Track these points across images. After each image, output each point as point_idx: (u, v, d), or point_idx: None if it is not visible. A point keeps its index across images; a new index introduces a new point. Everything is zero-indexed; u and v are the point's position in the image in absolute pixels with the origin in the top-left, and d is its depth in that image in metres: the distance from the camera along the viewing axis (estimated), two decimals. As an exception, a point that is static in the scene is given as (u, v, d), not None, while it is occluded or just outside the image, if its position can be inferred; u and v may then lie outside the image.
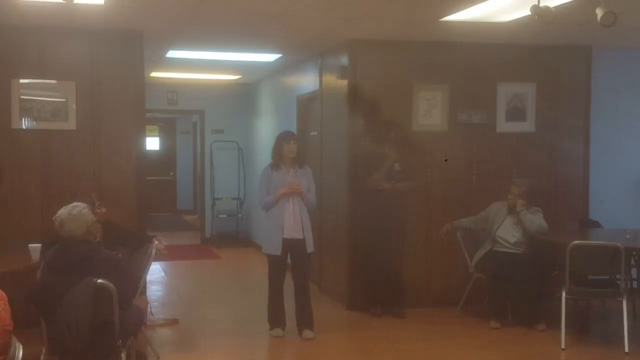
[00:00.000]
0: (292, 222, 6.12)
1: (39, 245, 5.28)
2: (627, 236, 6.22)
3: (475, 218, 7.01)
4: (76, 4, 5.03)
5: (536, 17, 4.68)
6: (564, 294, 5.96)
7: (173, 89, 11.97)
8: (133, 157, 6.82)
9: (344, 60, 7.31)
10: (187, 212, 16.59)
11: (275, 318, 6.28)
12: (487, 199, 7.03)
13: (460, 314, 6.98)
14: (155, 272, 9.19)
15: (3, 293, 3.08)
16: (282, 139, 6.26)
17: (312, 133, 8.64)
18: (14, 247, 5.64)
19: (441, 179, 7.40)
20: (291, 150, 6.18)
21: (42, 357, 4.44)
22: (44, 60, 6.60)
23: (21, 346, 3.08)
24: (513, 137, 7.55)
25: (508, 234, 6.69)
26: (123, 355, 4.37)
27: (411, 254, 7.18)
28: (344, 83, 7.30)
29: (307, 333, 6.20)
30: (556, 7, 4.91)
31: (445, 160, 7.34)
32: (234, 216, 12.31)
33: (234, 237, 12.09)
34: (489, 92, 7.48)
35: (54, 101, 6.61)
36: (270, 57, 8.78)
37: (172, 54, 8.36)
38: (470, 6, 5.63)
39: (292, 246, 6.17)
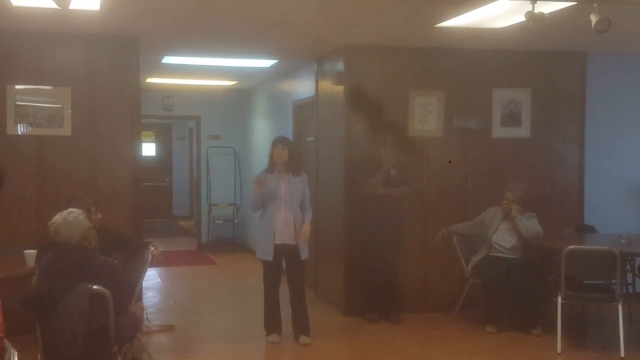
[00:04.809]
0: (283, 227, 6.11)
1: (34, 251, 5.27)
2: (623, 241, 6.23)
3: (470, 223, 7.02)
4: (72, 9, 5.02)
5: (531, 23, 4.70)
6: (559, 299, 5.96)
7: (169, 95, 11.97)
8: (129, 162, 6.82)
9: (340, 66, 7.32)
10: (183, 218, 16.58)
11: (272, 324, 6.27)
12: (482, 204, 7.04)
13: (456, 319, 6.98)
14: (151, 278, 9.18)
15: (-2, 299, 3.07)
16: (272, 143, 6.29)
17: (308, 139, 8.65)
18: (9, 253, 5.63)
19: (437, 185, 7.40)
20: (279, 155, 6.18)
21: (37, 363, 4.43)
22: (39, 66, 6.60)
23: (16, 352, 3.08)
24: (508, 143, 7.56)
25: (503, 239, 6.70)
26: (119, 361, 4.36)
27: (407, 259, 7.18)
28: (340, 89, 7.31)
29: (304, 339, 6.19)
30: (551, 13, 4.94)
31: (449, 162, 7.34)
32: (230, 222, 12.30)
33: (230, 242, 12.08)
34: (484, 97, 7.50)
35: (49, 107, 6.61)
36: (266, 63, 8.80)
37: (168, 59, 8.37)
38: (466, 12, 5.65)
39: (285, 252, 6.16)
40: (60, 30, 6.47)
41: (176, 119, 14.95)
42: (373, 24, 6.18)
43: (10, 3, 5.41)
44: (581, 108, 7.72)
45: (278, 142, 6.29)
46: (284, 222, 6.12)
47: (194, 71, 9.53)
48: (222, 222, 12.28)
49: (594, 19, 4.68)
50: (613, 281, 6.15)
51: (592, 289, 6.30)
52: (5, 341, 3.18)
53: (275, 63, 8.73)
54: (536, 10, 4.65)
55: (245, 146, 12.15)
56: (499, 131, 7.55)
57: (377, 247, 6.83)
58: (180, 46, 7.52)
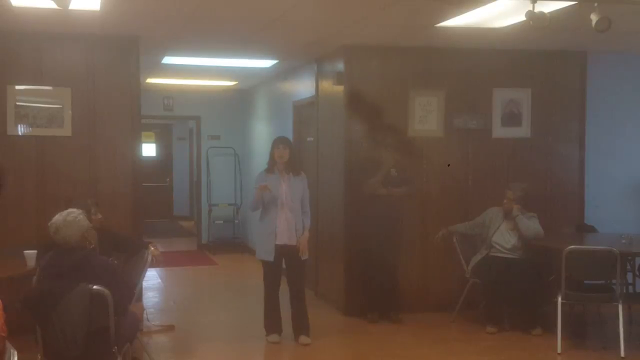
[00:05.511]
0: (285, 228, 6.11)
1: (34, 251, 5.27)
2: (623, 241, 6.22)
3: (471, 223, 7.01)
4: (72, 10, 5.03)
5: (531, 22, 4.70)
6: (560, 299, 5.96)
7: (169, 95, 11.97)
8: (129, 163, 6.82)
9: (340, 66, 7.32)
10: (183, 218, 16.58)
11: (272, 324, 6.27)
12: (483, 204, 7.04)
13: (457, 319, 6.97)
14: (152, 279, 9.18)
15: (-2, 299, 3.08)
16: (273, 144, 6.29)
17: (308, 139, 8.65)
18: (9, 253, 5.63)
19: (437, 184, 7.40)
20: (281, 155, 6.18)
21: (37, 363, 4.44)
22: (39, 66, 6.60)
23: (16, 352, 3.09)
24: (509, 142, 7.56)
25: (504, 239, 6.70)
26: (119, 361, 4.36)
27: (407, 259, 7.19)
28: (340, 89, 7.31)
29: (304, 339, 6.19)
30: (551, 13, 4.94)
31: (448, 165, 7.34)
32: (231, 222, 12.30)
33: (231, 243, 12.08)
34: (485, 97, 7.50)
35: (49, 107, 6.61)
36: (266, 63, 8.80)
37: (168, 60, 8.37)
38: (466, 12, 5.65)
39: (285, 253, 6.16)
40: (61, 31, 6.47)
41: (176, 119, 14.96)
42: (373, 23, 6.18)
43: (10, 3, 5.41)
44: (581, 108, 7.72)
45: (279, 142, 6.29)
46: (285, 223, 6.12)
47: (194, 71, 9.53)
48: (222, 222, 12.28)
49: (594, 18, 4.68)
50: (613, 281, 6.15)
51: (592, 289, 6.30)
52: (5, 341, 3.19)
53: (276, 63, 8.73)
54: (536, 10, 4.65)
55: (245, 146, 12.15)
56: (499, 131, 7.55)
57: (378, 246, 6.83)
58: (180, 46, 7.53)
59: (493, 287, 6.53)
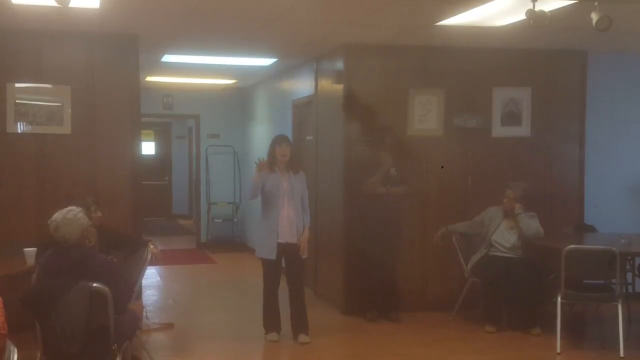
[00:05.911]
0: (286, 227, 6.12)
1: (34, 249, 5.27)
2: (623, 240, 6.21)
3: (470, 222, 7.00)
4: (72, 8, 5.02)
5: (531, 21, 4.71)
6: (559, 299, 5.96)
7: (168, 94, 11.96)
8: (128, 161, 6.82)
9: (340, 64, 7.31)
10: (183, 217, 16.58)
11: (271, 322, 6.27)
12: (482, 203, 7.03)
13: (456, 318, 6.97)
14: (151, 277, 9.17)
15: (-1, 297, 3.08)
16: (275, 142, 6.28)
17: (307, 138, 8.64)
18: (9, 251, 5.63)
19: (437, 184, 7.40)
20: (283, 153, 6.18)
21: (36, 361, 4.43)
22: (39, 64, 6.60)
23: (16, 349, 3.08)
24: (508, 142, 7.56)
25: (503, 238, 6.70)
26: (118, 359, 4.35)
27: (407, 258, 7.18)
28: (339, 88, 7.31)
29: (303, 337, 6.19)
30: (551, 12, 4.94)
31: (442, 167, 7.34)
32: (230, 221, 12.29)
33: (230, 241, 12.08)
34: (485, 96, 7.49)
35: (49, 105, 6.61)
36: (265, 62, 8.79)
37: (168, 58, 8.36)
38: (466, 10, 5.65)
39: (286, 251, 6.16)
40: (60, 29, 6.46)
41: (176, 117, 14.95)
42: (373, 22, 6.17)
43: (10, 1, 5.40)
44: (581, 107, 7.72)
45: (281, 140, 6.28)
46: (287, 221, 6.12)
47: (194, 70, 9.53)
48: (221, 220, 12.28)
49: (594, 17, 4.69)
50: (613, 281, 6.15)
51: (592, 289, 6.29)
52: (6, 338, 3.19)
53: (275, 62, 8.73)
54: (537, 8, 4.66)
55: (244, 145, 12.14)
56: (499, 130, 7.55)
57: (377, 246, 6.82)
58: (179, 44, 7.52)
59: (492, 286, 6.53)
